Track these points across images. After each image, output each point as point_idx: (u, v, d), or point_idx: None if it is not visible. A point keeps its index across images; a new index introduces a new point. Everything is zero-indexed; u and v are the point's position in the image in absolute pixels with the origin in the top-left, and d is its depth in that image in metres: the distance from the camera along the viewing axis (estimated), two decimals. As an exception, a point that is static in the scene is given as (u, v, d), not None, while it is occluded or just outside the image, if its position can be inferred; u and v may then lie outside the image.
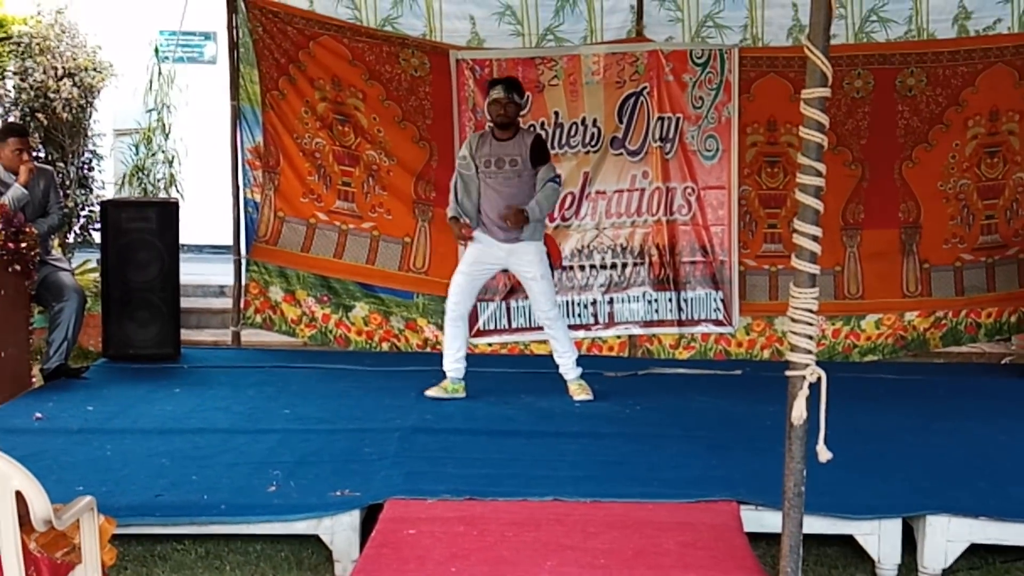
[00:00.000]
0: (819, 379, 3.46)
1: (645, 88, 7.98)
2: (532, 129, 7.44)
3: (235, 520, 4.49)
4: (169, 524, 4.49)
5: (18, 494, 3.02)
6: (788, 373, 3.49)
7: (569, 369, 6.62)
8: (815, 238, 3.44)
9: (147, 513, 4.46)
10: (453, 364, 6.58)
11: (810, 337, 3.48)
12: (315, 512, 4.48)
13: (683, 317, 8.15)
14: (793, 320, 3.49)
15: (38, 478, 4.45)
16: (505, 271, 7.05)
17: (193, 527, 4.51)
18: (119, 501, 4.46)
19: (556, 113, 8.00)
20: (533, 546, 4.03)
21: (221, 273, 9.14)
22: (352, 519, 4.48)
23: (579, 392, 6.56)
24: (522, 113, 6.74)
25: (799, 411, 3.46)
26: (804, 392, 3.46)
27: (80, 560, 3.29)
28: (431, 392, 6.54)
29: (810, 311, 3.47)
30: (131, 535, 4.46)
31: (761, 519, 4.51)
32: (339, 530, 4.46)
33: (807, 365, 3.46)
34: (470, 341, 7.94)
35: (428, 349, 8.08)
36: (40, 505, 3.01)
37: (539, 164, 6.40)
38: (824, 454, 3.52)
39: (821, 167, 3.42)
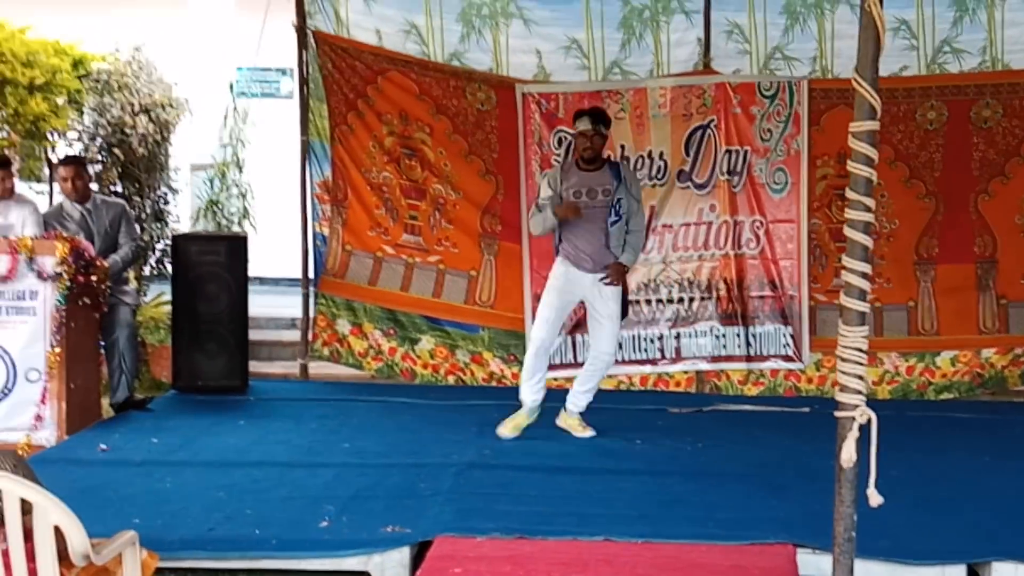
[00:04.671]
0: (869, 420, 3.35)
1: (712, 121, 7.91)
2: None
3: (286, 555, 4.49)
4: (220, 558, 4.50)
5: (57, 529, 3.03)
6: (837, 414, 3.40)
7: (578, 405, 6.53)
8: (864, 275, 3.35)
9: (200, 547, 4.48)
10: (532, 395, 6.45)
11: (860, 377, 3.38)
12: (365, 548, 4.48)
13: (752, 352, 8.01)
14: (842, 360, 3.41)
15: (96, 510, 4.55)
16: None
17: (244, 561, 4.51)
18: (173, 534, 4.51)
19: (622, 146, 7.96)
20: (579, 587, 3.97)
21: (293, 306, 9.19)
22: (402, 556, 4.46)
23: (579, 429, 6.49)
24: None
25: (848, 453, 3.37)
26: (854, 433, 3.36)
27: (121, 594, 3.31)
28: (503, 431, 6.41)
29: (860, 350, 3.37)
30: (184, 568, 4.50)
31: (819, 563, 4.37)
32: (389, 567, 4.45)
33: (857, 406, 3.35)
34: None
35: (493, 383, 8.06)
36: (78, 540, 3.02)
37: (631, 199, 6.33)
38: (875, 498, 3.41)
39: (870, 202, 3.35)
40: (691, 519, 4.85)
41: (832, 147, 7.83)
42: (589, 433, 6.47)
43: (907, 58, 7.77)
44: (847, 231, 3.37)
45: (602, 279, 6.28)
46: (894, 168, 7.82)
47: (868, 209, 3.33)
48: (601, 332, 6.44)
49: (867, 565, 4.28)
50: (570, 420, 6.53)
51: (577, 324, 7.97)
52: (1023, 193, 7.82)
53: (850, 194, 3.35)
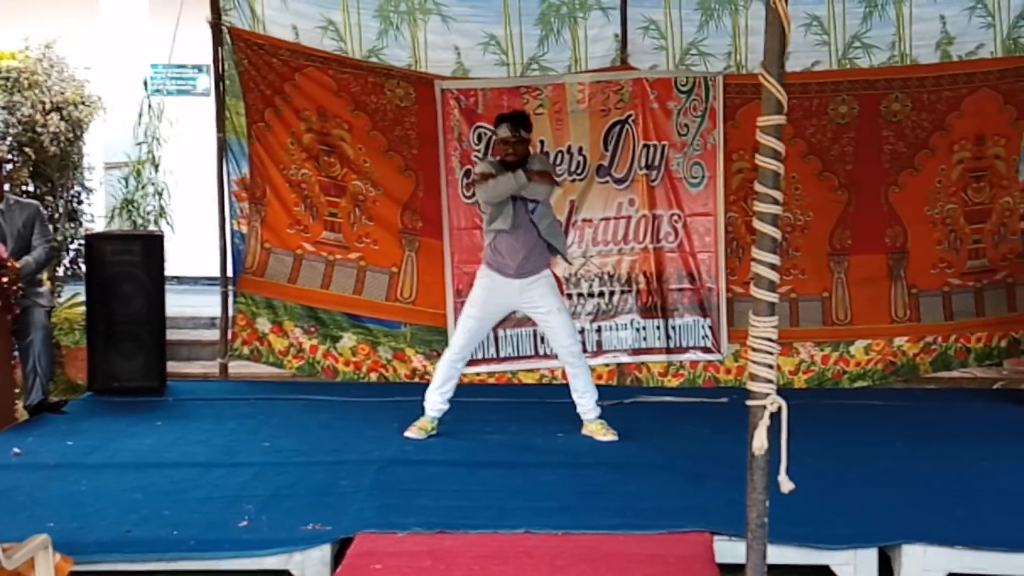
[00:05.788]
0: (780, 408, 3.41)
1: (630, 116, 7.99)
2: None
3: (205, 556, 4.45)
4: (138, 560, 4.44)
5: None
6: (749, 403, 3.45)
7: (589, 409, 6.42)
8: (773, 266, 3.40)
9: (116, 550, 4.42)
10: (439, 405, 6.38)
11: (770, 366, 3.43)
12: (285, 547, 4.46)
13: (671, 344, 8.11)
14: (753, 350, 3.46)
15: (9, 515, 4.48)
16: (514, 312, 6.90)
17: (162, 563, 4.46)
18: (88, 537, 4.45)
19: (542, 142, 7.99)
20: (499, 580, 3.99)
21: (212, 305, 9.08)
22: (323, 554, 4.45)
23: (602, 433, 6.35)
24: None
25: (760, 441, 3.41)
26: (765, 422, 3.41)
27: (35, 598, 3.27)
28: (410, 434, 6.33)
29: (770, 340, 3.43)
30: (100, 572, 4.44)
31: (735, 550, 4.43)
32: (309, 565, 4.43)
33: (767, 394, 3.41)
34: (457, 370, 7.92)
35: (416, 379, 8.05)
36: (-13, 545, 2.98)
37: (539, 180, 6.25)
38: (786, 485, 3.47)
39: (778, 195, 3.40)
40: (611, 510, 4.90)
41: (747, 141, 7.92)
42: (611, 437, 6.31)
43: (819, 53, 7.91)
44: (756, 223, 3.42)
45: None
46: (807, 161, 7.97)
47: (776, 202, 3.38)
48: (553, 329, 6.41)
49: (782, 550, 4.38)
50: (591, 427, 6.42)
51: (502, 320, 7.97)
52: (932, 185, 8.01)
53: (758, 187, 3.41)
